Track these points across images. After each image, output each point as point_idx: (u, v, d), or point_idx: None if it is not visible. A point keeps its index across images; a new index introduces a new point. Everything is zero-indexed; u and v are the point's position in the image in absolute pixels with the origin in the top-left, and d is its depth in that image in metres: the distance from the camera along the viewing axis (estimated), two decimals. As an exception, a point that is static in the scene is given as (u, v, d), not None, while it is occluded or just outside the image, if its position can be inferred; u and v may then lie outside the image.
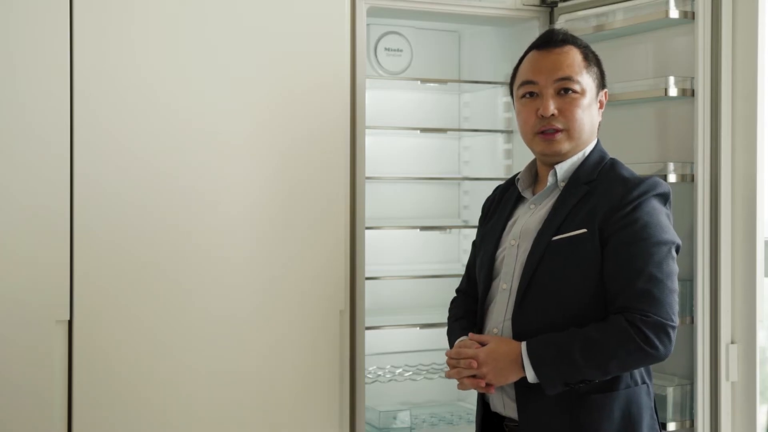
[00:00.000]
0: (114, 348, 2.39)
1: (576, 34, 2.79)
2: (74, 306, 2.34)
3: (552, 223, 1.99)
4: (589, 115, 2.04)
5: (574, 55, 2.05)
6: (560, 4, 2.92)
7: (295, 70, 2.60)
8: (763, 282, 2.46)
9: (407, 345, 3.30)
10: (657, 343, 1.84)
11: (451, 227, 3.30)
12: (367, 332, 2.77)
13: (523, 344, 1.92)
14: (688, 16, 2.54)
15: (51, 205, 2.32)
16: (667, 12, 2.55)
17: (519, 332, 1.97)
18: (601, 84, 2.09)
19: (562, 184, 2.05)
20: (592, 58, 2.08)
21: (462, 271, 3.33)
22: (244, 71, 2.53)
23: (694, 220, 2.51)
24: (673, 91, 2.54)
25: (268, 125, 2.56)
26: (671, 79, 2.54)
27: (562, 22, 2.88)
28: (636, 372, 1.96)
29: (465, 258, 3.42)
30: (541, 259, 1.96)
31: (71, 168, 2.34)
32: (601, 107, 2.09)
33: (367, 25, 2.82)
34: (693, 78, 2.52)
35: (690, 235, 2.52)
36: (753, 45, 2.44)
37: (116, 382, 2.39)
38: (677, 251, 1.95)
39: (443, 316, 2.33)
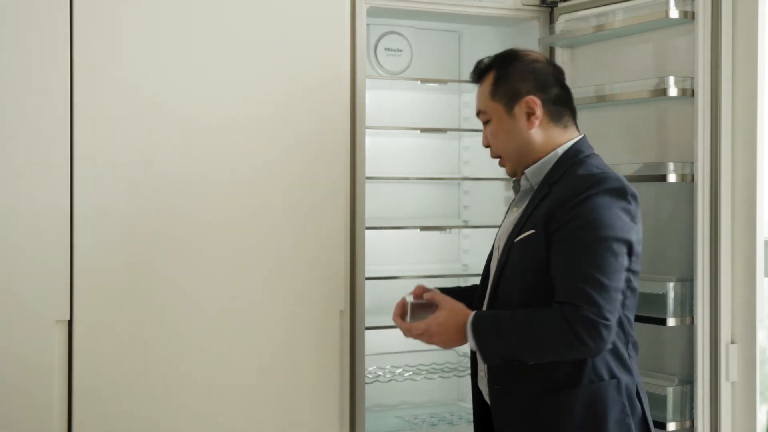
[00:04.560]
0: (114, 348, 2.39)
1: (576, 34, 2.82)
2: (74, 306, 2.34)
3: (517, 225, 2.06)
4: (509, 134, 2.10)
5: (486, 85, 2.15)
6: (560, 4, 2.92)
7: (295, 70, 2.59)
8: (763, 282, 2.46)
9: (407, 345, 3.27)
10: (587, 339, 1.87)
11: (451, 227, 3.30)
12: (367, 332, 2.77)
13: (470, 315, 2.00)
14: (688, 16, 2.54)
15: (51, 205, 2.32)
16: (667, 12, 2.55)
17: None
18: (515, 97, 2.08)
19: (536, 186, 2.09)
20: (502, 78, 2.10)
21: (461, 271, 3.36)
22: (244, 71, 2.53)
23: (694, 220, 2.50)
24: (673, 91, 2.53)
25: (268, 125, 2.56)
26: (671, 79, 2.54)
27: (561, 22, 2.88)
28: (602, 367, 1.98)
29: (465, 258, 3.44)
30: (506, 261, 2.06)
31: (71, 168, 2.34)
32: (532, 115, 2.07)
33: (367, 25, 2.82)
34: (693, 78, 2.52)
35: (690, 235, 2.52)
36: (753, 45, 2.44)
37: (116, 382, 2.39)
38: (629, 247, 1.94)
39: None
